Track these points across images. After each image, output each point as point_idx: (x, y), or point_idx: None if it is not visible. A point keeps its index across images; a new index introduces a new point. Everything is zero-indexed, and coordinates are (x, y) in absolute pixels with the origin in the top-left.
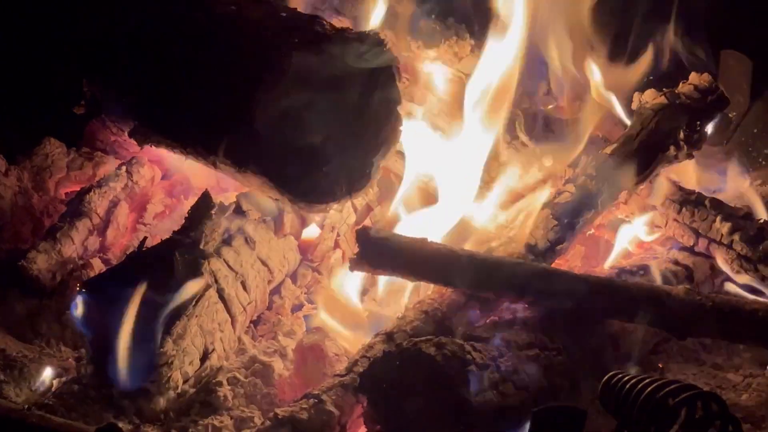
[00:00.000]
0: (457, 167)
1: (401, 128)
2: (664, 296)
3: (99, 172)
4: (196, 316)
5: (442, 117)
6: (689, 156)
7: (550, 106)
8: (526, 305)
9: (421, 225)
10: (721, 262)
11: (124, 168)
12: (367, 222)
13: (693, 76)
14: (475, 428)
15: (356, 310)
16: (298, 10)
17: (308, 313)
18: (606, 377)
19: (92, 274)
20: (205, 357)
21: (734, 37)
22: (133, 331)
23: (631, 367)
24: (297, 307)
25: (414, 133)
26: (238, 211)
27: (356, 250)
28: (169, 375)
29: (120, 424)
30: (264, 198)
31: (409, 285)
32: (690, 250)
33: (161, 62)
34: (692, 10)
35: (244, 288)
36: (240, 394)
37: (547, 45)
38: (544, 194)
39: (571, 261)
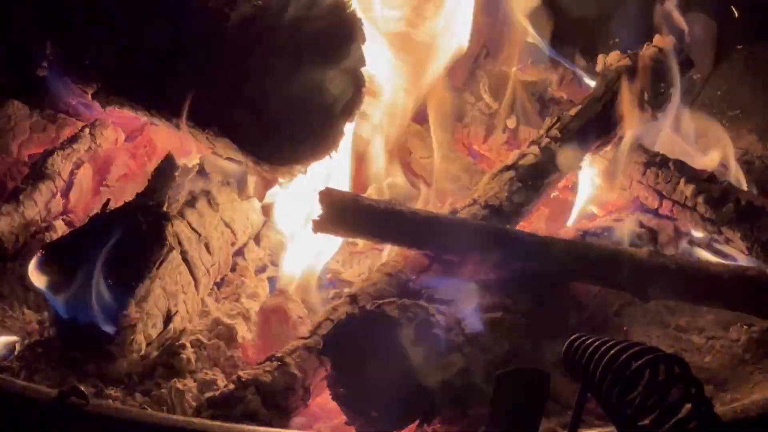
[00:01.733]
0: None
1: (365, 90)
2: (628, 258)
3: (62, 134)
4: (159, 279)
5: (406, 78)
6: (653, 118)
7: (514, 68)
8: (490, 268)
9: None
10: (685, 224)
11: (87, 130)
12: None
13: (657, 38)
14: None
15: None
16: None
17: (271, 275)
18: (569, 340)
19: (55, 237)
20: (168, 319)
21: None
22: (96, 294)
23: (594, 329)
24: (260, 269)
25: (376, 93)
26: (202, 173)
27: (320, 211)
28: (132, 337)
29: (83, 387)
30: (228, 159)
31: (373, 246)
32: (654, 212)
33: (123, 22)
34: None
35: (208, 250)
36: (203, 356)
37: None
38: (510, 156)
39: (536, 223)
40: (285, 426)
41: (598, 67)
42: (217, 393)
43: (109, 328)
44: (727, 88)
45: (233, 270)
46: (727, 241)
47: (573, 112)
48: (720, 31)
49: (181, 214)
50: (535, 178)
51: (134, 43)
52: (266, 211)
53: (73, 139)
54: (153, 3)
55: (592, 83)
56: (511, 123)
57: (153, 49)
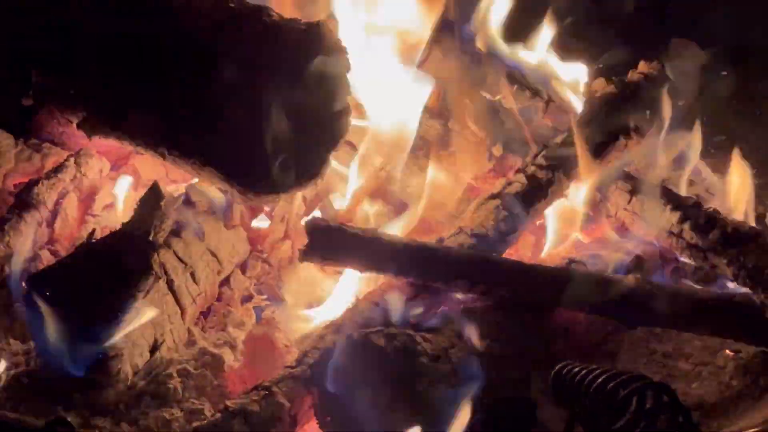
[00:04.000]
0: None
1: (350, 120)
2: (615, 285)
3: (47, 164)
4: (146, 308)
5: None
6: (639, 144)
7: (498, 96)
8: (477, 296)
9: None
10: (671, 250)
11: (72, 159)
12: (316, 213)
13: (642, 65)
14: (426, 419)
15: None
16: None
17: (258, 304)
18: (556, 368)
19: (40, 266)
20: (154, 349)
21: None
22: (83, 323)
23: (581, 356)
24: (247, 298)
25: (363, 123)
26: (188, 202)
27: (306, 241)
28: (118, 367)
29: (69, 417)
30: (213, 189)
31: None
32: (640, 238)
33: (110, 51)
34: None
35: (194, 279)
36: (190, 386)
37: (497, 35)
38: (495, 184)
39: (522, 251)
40: None
41: (584, 94)
42: (204, 422)
43: (94, 359)
44: (712, 114)
45: (219, 299)
46: (714, 267)
47: (558, 140)
48: (705, 58)
49: (167, 244)
50: (522, 206)
51: (120, 72)
52: (252, 240)
53: (59, 168)
54: (138, 33)
55: (579, 109)
56: (497, 151)
57: (138, 79)
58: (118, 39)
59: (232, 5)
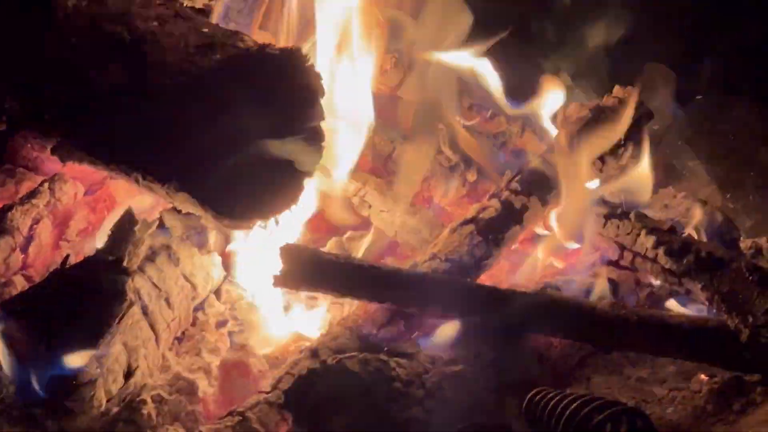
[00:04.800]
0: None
1: (325, 144)
2: (589, 310)
3: (21, 189)
4: (120, 334)
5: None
6: (615, 169)
7: (473, 122)
8: (451, 320)
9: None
10: (646, 275)
11: (46, 184)
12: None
13: (617, 89)
14: None
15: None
16: (220, 25)
17: (232, 329)
18: (531, 393)
19: (14, 292)
20: (129, 374)
21: (657, 50)
22: (57, 349)
23: (555, 381)
24: (221, 324)
25: (337, 147)
26: (162, 227)
27: (280, 266)
28: (92, 393)
29: None
30: (188, 214)
31: (334, 301)
32: (615, 263)
33: (82, 77)
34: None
35: (168, 305)
36: (164, 411)
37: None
38: (469, 209)
39: (496, 276)
40: None
41: (558, 119)
42: None
43: (68, 385)
44: (686, 139)
45: (194, 324)
46: (688, 292)
47: (533, 165)
48: (679, 82)
49: (141, 269)
50: (496, 231)
51: (94, 98)
52: (226, 265)
53: (33, 193)
54: (113, 58)
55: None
56: (471, 176)
57: (113, 105)
58: (90, 65)
59: (206, 30)
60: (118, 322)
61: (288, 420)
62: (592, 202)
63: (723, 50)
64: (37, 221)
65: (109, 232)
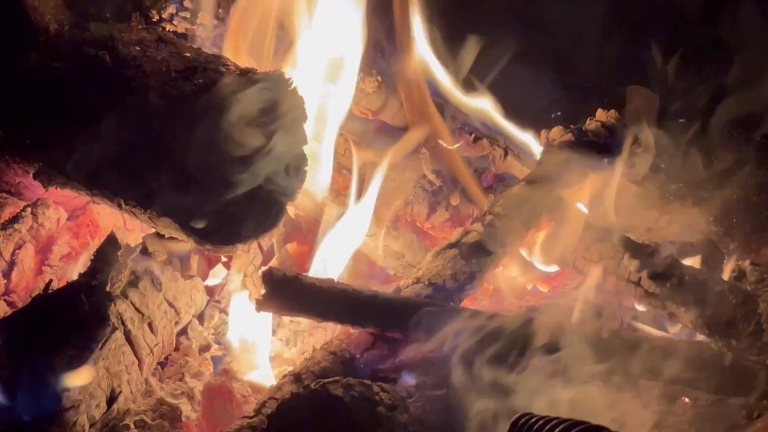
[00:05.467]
0: (363, 205)
1: (307, 169)
2: (572, 333)
3: (4, 214)
4: (103, 359)
5: (348, 155)
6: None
7: (457, 145)
8: (435, 345)
9: (328, 264)
10: (629, 299)
11: (29, 210)
12: (273, 262)
13: (599, 113)
14: None
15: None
16: (202, 49)
17: (215, 354)
18: (514, 418)
19: None
20: (112, 400)
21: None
22: (39, 374)
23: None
24: (204, 348)
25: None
26: (145, 252)
27: (263, 291)
28: (75, 419)
29: None
30: (170, 239)
31: (316, 325)
32: (599, 287)
33: (65, 102)
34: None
35: (151, 330)
36: None
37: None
38: (452, 233)
39: (479, 299)
40: None
41: (541, 142)
42: None
43: (50, 410)
44: (669, 162)
45: (177, 349)
46: (672, 315)
47: (516, 189)
48: (661, 104)
49: (124, 294)
50: (479, 255)
51: (76, 123)
52: (209, 290)
53: (15, 218)
54: (95, 82)
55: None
56: (454, 200)
57: (95, 130)
58: (72, 89)
59: (188, 55)
60: (101, 347)
61: None
62: (575, 226)
63: (706, 74)
64: (19, 246)
65: (92, 257)
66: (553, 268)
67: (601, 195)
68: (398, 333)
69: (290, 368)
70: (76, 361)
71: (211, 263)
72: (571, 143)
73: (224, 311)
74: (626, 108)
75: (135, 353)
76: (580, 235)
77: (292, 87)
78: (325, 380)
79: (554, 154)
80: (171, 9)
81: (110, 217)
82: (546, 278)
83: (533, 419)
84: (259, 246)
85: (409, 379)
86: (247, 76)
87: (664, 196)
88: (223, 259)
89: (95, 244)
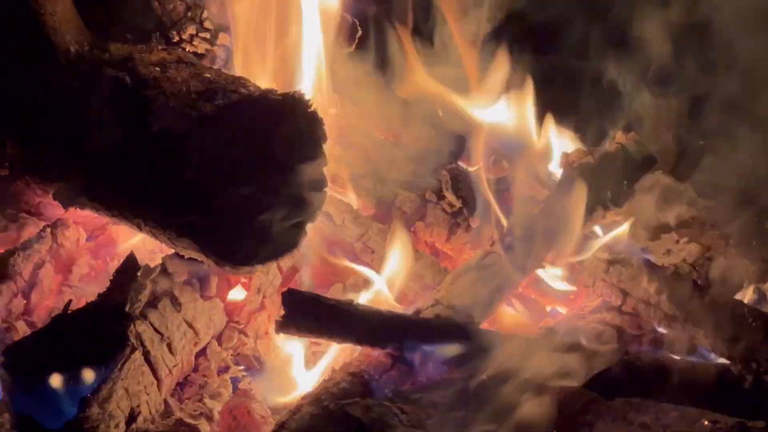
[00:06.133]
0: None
1: (327, 190)
2: (591, 355)
3: (23, 234)
4: (122, 379)
5: (368, 177)
6: (616, 215)
7: (476, 167)
8: (454, 366)
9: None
10: (649, 321)
11: (48, 230)
12: (293, 284)
13: (619, 135)
14: None
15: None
16: (222, 70)
17: (235, 374)
18: None
19: (16, 338)
20: (131, 420)
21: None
22: (58, 396)
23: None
24: (223, 369)
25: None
26: (164, 272)
27: (282, 312)
28: None
29: None
30: (190, 260)
31: (336, 346)
32: (618, 309)
33: (85, 123)
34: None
35: (170, 350)
36: None
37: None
38: (472, 255)
39: (498, 320)
40: None
41: (561, 164)
42: None
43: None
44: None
45: (196, 370)
46: (691, 338)
47: (536, 210)
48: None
49: (143, 315)
50: (499, 277)
51: (95, 144)
52: (228, 310)
53: (35, 239)
54: (115, 103)
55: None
56: (474, 222)
57: (115, 151)
58: (92, 110)
59: (208, 76)
60: (120, 368)
61: None
62: (594, 247)
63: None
64: (39, 266)
65: (111, 278)
66: (572, 290)
67: (620, 216)
68: (417, 354)
69: (309, 389)
70: (96, 381)
71: (230, 284)
72: (591, 165)
73: (243, 332)
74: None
75: (154, 374)
76: (600, 256)
77: (311, 108)
78: (345, 401)
79: (574, 175)
80: (191, 30)
81: (129, 238)
82: (565, 300)
83: None
84: (279, 267)
85: (428, 401)
86: (267, 97)
87: (683, 218)
88: (243, 279)
89: (115, 264)
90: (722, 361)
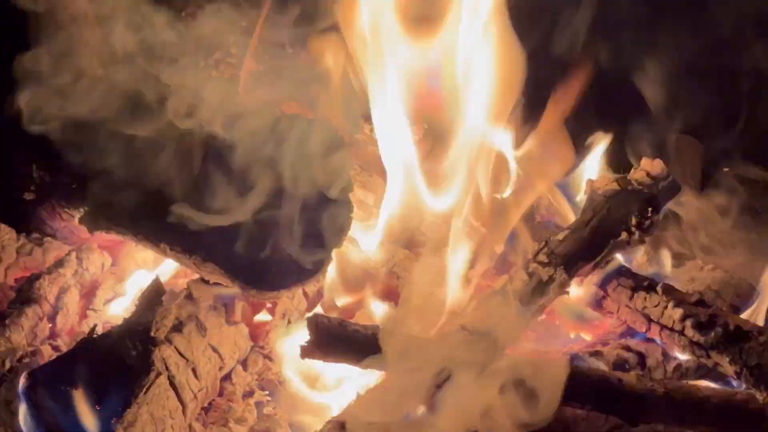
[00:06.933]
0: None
1: (353, 216)
2: (616, 382)
3: (49, 258)
4: (147, 404)
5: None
6: (641, 242)
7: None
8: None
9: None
10: (673, 348)
11: (74, 254)
12: (318, 309)
13: (645, 162)
14: None
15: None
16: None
17: (259, 399)
18: None
19: (42, 362)
20: None
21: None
22: (83, 420)
23: None
24: (248, 394)
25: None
26: (189, 297)
27: (307, 337)
28: None
29: None
30: (215, 285)
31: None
32: (642, 335)
33: (112, 148)
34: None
35: (195, 375)
36: None
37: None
38: (496, 281)
39: (522, 346)
40: None
41: (586, 191)
42: None
43: None
44: (714, 210)
45: (221, 394)
46: (716, 365)
47: (560, 237)
48: (706, 153)
49: (168, 339)
50: (523, 303)
51: (122, 169)
52: (253, 335)
53: (60, 263)
54: (140, 131)
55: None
56: (498, 248)
57: (140, 176)
58: (119, 136)
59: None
60: (145, 392)
61: None
62: (618, 274)
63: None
64: (64, 290)
65: (137, 302)
66: (596, 316)
67: (644, 242)
68: (441, 379)
69: (334, 414)
70: (121, 405)
71: (255, 309)
72: (616, 192)
73: (268, 357)
74: (671, 157)
75: (179, 398)
76: (624, 283)
77: (338, 133)
78: (371, 421)
79: (598, 203)
80: (217, 55)
81: (155, 262)
82: (589, 326)
83: None
84: (304, 292)
85: None
86: (293, 122)
87: (707, 244)
88: (268, 304)
89: (140, 288)
90: (747, 388)
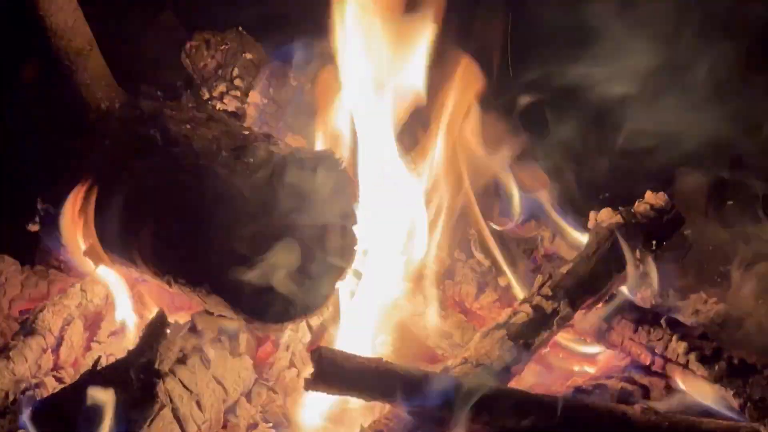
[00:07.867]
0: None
1: (357, 248)
2: (620, 415)
3: (53, 290)
4: None
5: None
6: (645, 275)
7: (504, 227)
8: (482, 426)
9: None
10: (678, 381)
11: (78, 286)
12: (322, 341)
13: (649, 195)
14: None
15: None
16: (252, 128)
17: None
18: None
19: (45, 393)
20: None
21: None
22: None
23: None
24: (252, 426)
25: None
26: (193, 329)
27: (311, 369)
28: None
29: None
30: (219, 317)
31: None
32: (646, 368)
33: (114, 180)
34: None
35: (199, 407)
36: None
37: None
38: (500, 314)
39: (526, 379)
40: None
41: (590, 224)
42: None
43: None
44: (717, 243)
45: (224, 427)
46: (721, 398)
47: (564, 269)
48: (710, 186)
49: (172, 372)
50: (527, 336)
51: (126, 202)
52: (257, 367)
53: (64, 295)
54: (146, 160)
55: (584, 239)
56: (502, 281)
57: (144, 208)
58: (122, 166)
59: (238, 133)
60: (149, 425)
61: None
62: (622, 307)
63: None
64: (68, 322)
65: (141, 334)
66: (600, 349)
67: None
68: (445, 412)
69: None
70: None
71: (259, 341)
72: (620, 225)
73: (272, 389)
74: (675, 191)
75: (183, 431)
76: (628, 316)
77: (342, 167)
78: None
79: (602, 236)
80: (222, 87)
81: (159, 295)
82: (593, 359)
83: None
84: (308, 324)
85: None
86: (297, 156)
87: (711, 277)
88: (272, 337)
89: (144, 321)
90: (751, 422)
